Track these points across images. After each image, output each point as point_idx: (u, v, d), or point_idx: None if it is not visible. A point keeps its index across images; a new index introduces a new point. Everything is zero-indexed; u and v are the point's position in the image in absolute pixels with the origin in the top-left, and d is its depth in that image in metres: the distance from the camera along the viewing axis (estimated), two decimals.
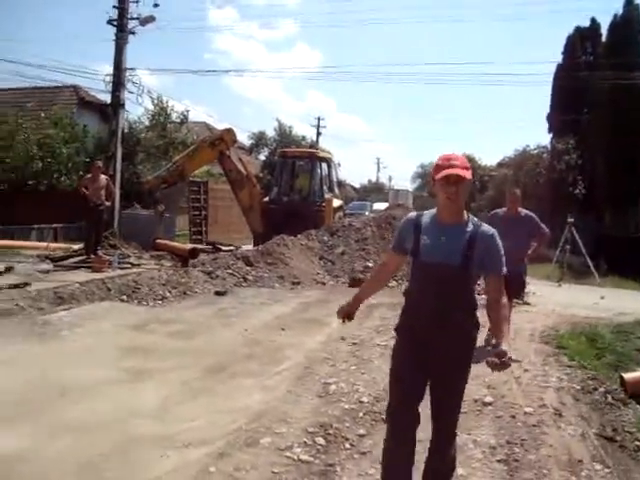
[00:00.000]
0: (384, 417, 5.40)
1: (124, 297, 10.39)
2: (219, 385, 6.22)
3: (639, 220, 25.37)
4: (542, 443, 5.19)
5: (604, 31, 27.11)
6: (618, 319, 11.34)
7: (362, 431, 5.20)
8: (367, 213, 34.59)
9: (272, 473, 4.32)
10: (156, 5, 21.46)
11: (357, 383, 6.44)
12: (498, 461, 4.82)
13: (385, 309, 10.57)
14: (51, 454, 4.45)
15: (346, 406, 5.74)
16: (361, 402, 5.88)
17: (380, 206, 44.82)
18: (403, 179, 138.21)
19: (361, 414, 5.57)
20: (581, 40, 27.98)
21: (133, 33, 21.37)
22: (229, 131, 19.30)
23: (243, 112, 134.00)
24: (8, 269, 12.29)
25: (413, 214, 3.72)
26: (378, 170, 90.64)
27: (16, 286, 10.61)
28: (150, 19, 21.35)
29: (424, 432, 3.81)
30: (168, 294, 10.82)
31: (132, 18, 21.29)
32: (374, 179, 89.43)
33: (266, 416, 5.35)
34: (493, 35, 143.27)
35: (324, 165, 20.73)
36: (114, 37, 20.96)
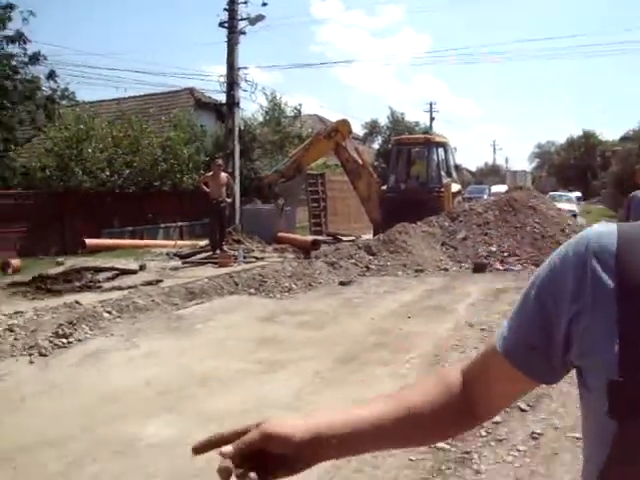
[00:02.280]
0: (519, 404, 5.37)
1: (252, 290, 10.73)
2: (351, 375, 6.32)
3: None
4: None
5: None
6: None
7: (497, 418, 5.12)
8: (485, 197, 33.88)
9: (409, 460, 4.35)
10: (264, 4, 21.88)
11: None
12: None
13: (513, 293, 10.35)
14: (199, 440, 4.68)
15: None
16: None
17: (498, 189, 43.77)
18: (520, 160, 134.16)
19: None
20: None
21: (244, 33, 21.96)
22: (344, 122, 19.40)
23: (353, 102, 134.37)
24: (141, 267, 12.91)
25: (595, 240, 0.93)
26: (494, 152, 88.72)
27: (150, 283, 11.16)
28: (260, 18, 21.80)
29: None
30: (294, 286, 11.07)
31: (242, 19, 21.89)
32: (490, 162, 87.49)
33: None
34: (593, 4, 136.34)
35: (440, 150, 20.44)
36: (226, 39, 21.63)
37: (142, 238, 20.98)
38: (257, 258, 14.86)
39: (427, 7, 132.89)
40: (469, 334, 7.89)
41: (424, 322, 8.57)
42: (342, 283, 11.55)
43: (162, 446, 4.64)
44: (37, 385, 6.11)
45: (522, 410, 5.25)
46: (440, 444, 4.57)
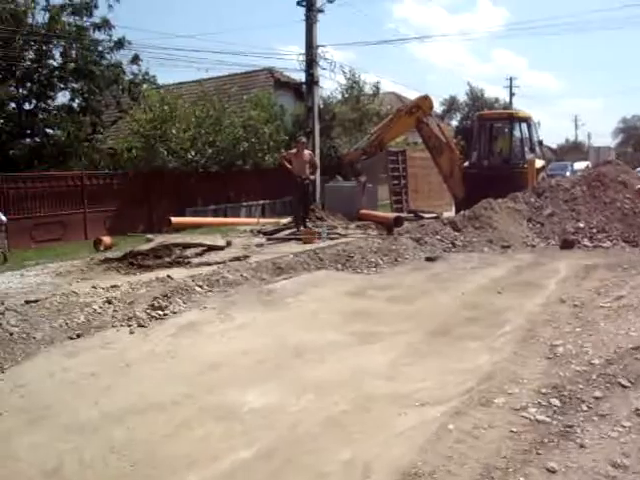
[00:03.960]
0: (620, 380, 5.26)
1: (338, 266, 10.81)
2: (444, 347, 6.32)
3: None
4: None
5: None
6: None
7: (598, 393, 5.04)
8: (568, 174, 32.95)
9: (510, 432, 4.33)
10: None
11: (585, 345, 6.22)
12: None
13: (603, 270, 10.12)
14: (298, 408, 4.83)
15: (577, 368, 5.58)
16: (592, 364, 5.68)
17: (581, 166, 42.44)
18: (602, 136, 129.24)
19: (594, 376, 5.38)
20: None
21: (322, 11, 21.88)
22: (426, 98, 19.16)
23: (429, 79, 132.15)
24: (228, 243, 13.16)
25: None
26: (576, 128, 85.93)
27: (237, 259, 11.39)
28: None
29: None
30: (380, 261, 11.09)
31: None
32: (571, 138, 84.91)
33: (496, 377, 5.36)
34: None
35: (523, 125, 19.95)
36: (304, 17, 21.62)
37: (225, 216, 21.43)
38: (340, 235, 14.91)
39: None
40: (561, 310, 7.75)
41: (515, 297, 8.46)
42: (428, 259, 11.49)
43: (262, 413, 4.78)
44: (139, 353, 6.36)
45: (623, 386, 5.14)
46: (540, 417, 4.55)
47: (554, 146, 73.55)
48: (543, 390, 5.05)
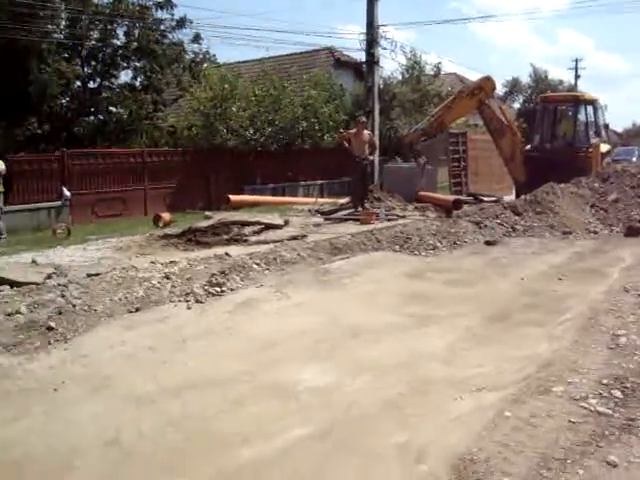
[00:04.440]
0: None
1: (396, 247, 10.75)
2: (503, 333, 6.22)
3: None
4: None
5: None
6: None
7: None
8: (635, 159, 31.96)
9: (569, 422, 4.22)
10: None
11: None
12: None
13: None
14: (355, 389, 4.82)
15: None
16: None
17: None
18: None
19: None
20: None
21: None
22: (488, 79, 18.79)
23: (491, 60, 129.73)
24: (286, 222, 13.21)
25: None
26: None
27: (294, 238, 11.45)
28: None
29: None
30: (438, 244, 10.97)
31: None
32: (639, 122, 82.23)
33: (555, 365, 5.24)
34: None
35: (589, 108, 19.42)
36: None
37: (283, 195, 21.51)
38: (398, 216, 14.84)
39: None
40: (625, 299, 7.52)
41: (576, 284, 8.25)
42: (488, 243, 11.33)
43: (318, 392, 4.78)
44: (196, 329, 6.44)
45: None
46: (601, 409, 4.43)
47: (620, 130, 71.40)
48: (604, 381, 4.91)
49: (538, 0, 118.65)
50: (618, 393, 4.71)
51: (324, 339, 6.00)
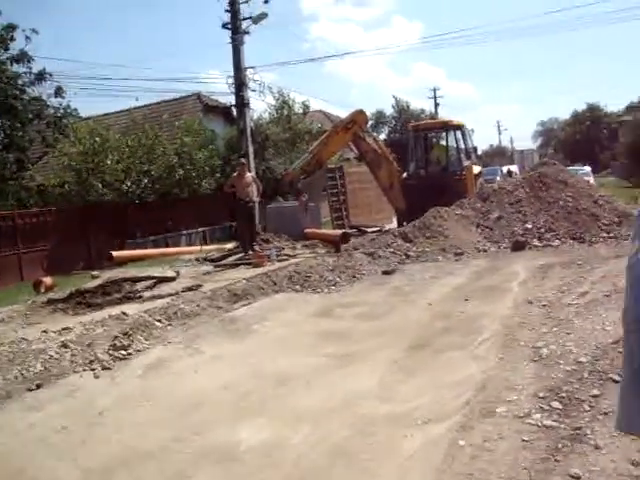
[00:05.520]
0: (611, 376, 5.19)
1: (297, 287, 10.58)
2: (429, 361, 6.15)
3: None
4: None
5: None
6: None
7: (595, 391, 4.95)
8: (498, 178, 33.73)
9: (522, 441, 4.17)
10: (266, 1, 21.78)
11: (567, 344, 6.15)
12: None
13: (559, 268, 10.21)
14: (298, 441, 4.53)
15: (566, 368, 5.49)
16: (580, 362, 5.61)
17: (511, 169, 43.59)
18: (523, 139, 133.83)
19: (585, 374, 5.30)
20: None
21: (247, 33, 21.81)
22: (360, 112, 19.17)
23: (353, 95, 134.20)
24: (177, 274, 12.76)
25: None
26: (499, 133, 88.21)
27: (190, 289, 11.03)
28: (263, 16, 21.73)
29: None
30: (338, 279, 10.91)
31: (245, 18, 21.75)
32: (495, 143, 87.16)
33: (490, 386, 5.22)
34: None
35: (458, 133, 20.20)
36: (230, 40, 21.50)
37: (166, 246, 20.92)
38: (289, 256, 14.70)
39: None
40: (532, 311, 7.70)
41: (483, 303, 8.39)
42: (385, 272, 11.38)
43: (262, 450, 4.47)
44: (110, 399, 5.93)
45: (615, 381, 5.05)
46: (547, 422, 4.42)
47: (480, 152, 75.16)
48: (541, 394, 4.93)
49: (390, 36, 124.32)
50: (557, 404, 4.73)
51: (250, 392, 5.67)
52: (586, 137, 60.89)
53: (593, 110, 62.50)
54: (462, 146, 20.04)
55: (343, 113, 28.63)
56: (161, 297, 10.54)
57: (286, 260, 14.01)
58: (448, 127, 20.38)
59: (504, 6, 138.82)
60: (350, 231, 18.98)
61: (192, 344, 7.50)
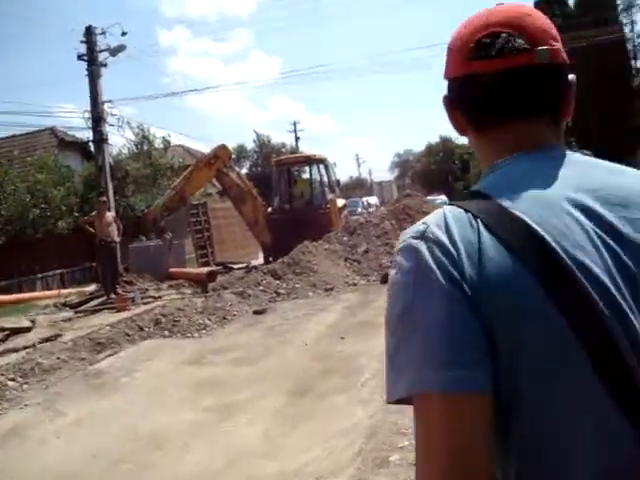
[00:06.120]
0: None
1: (165, 332, 10.03)
2: (314, 407, 5.88)
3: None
4: None
5: None
6: None
7: None
8: (359, 209, 34.53)
9: None
10: (124, 33, 21.09)
11: None
12: None
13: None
14: None
15: None
16: None
17: (371, 200, 44.90)
18: (381, 171, 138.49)
19: None
20: (548, 4, 27.74)
21: (105, 65, 21.00)
22: (223, 147, 18.87)
23: (213, 129, 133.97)
24: (33, 323, 11.84)
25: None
26: (358, 166, 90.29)
27: (48, 339, 10.22)
28: (121, 48, 20.99)
29: None
30: (208, 321, 10.45)
31: (102, 50, 20.94)
32: (354, 175, 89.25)
33: (380, 431, 5.00)
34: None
35: (321, 167, 20.37)
36: (86, 72, 20.62)
37: (20, 291, 19.50)
38: (154, 297, 14.09)
39: (273, 30, 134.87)
40: None
41: (359, 340, 8.23)
42: (256, 312, 11.05)
43: None
44: None
45: None
46: None
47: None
48: None
49: (249, 70, 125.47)
50: None
51: (123, 459, 5.10)
52: (440, 168, 63.45)
53: (445, 142, 65.22)
54: (325, 180, 20.19)
55: (204, 148, 28.29)
56: (16, 351, 9.65)
57: (152, 302, 13.39)
58: (311, 161, 20.48)
59: (363, 42, 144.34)
60: (216, 269, 18.52)
61: (53, 405, 6.81)
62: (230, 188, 18.87)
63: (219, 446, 5.14)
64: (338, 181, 22.17)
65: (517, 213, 0.92)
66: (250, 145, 47.55)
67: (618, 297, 0.88)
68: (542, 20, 1.07)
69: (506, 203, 0.94)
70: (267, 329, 9.73)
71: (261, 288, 12.48)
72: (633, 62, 27.19)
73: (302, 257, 13.60)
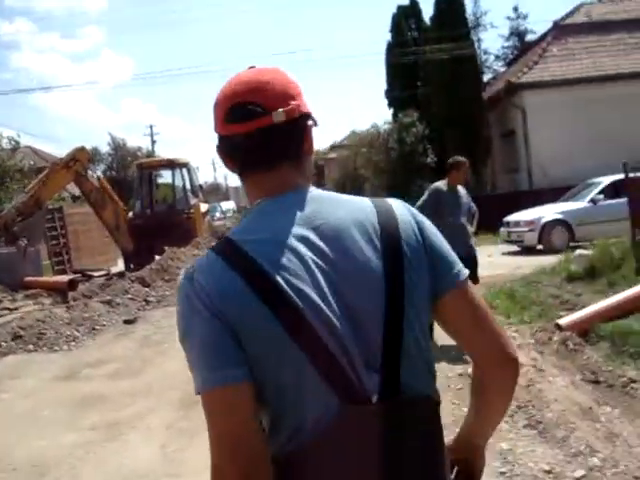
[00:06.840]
0: None
1: (30, 347, 9.39)
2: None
3: (493, 179, 26.75)
4: (547, 399, 5.21)
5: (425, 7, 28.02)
6: (519, 272, 11.85)
7: None
8: (218, 214, 34.44)
9: None
10: None
11: None
12: (524, 426, 4.79)
13: None
14: None
15: None
16: None
17: (228, 205, 44.84)
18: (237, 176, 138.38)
19: None
20: (405, 18, 28.59)
21: None
22: (82, 150, 18.00)
23: (63, 130, 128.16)
24: None
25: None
26: (214, 170, 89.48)
27: None
28: None
29: None
30: (77, 333, 9.91)
31: None
32: (211, 180, 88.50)
33: None
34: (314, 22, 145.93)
35: (184, 171, 20.07)
36: None
37: None
38: (10, 309, 13.24)
39: (126, 30, 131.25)
40: None
41: None
42: (127, 322, 10.62)
43: None
44: None
45: None
46: None
47: None
48: None
49: (99, 70, 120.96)
50: None
51: None
52: None
53: None
54: (188, 184, 19.90)
55: (54, 149, 27.03)
56: None
57: (7, 314, 12.57)
58: (174, 165, 20.11)
59: (214, 46, 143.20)
60: (76, 276, 17.71)
61: None
62: (90, 192, 18.09)
63: (112, 468, 4.84)
64: (201, 186, 21.95)
65: (250, 253, 1.24)
66: (104, 148, 45.96)
67: (324, 307, 1.22)
68: (281, 84, 1.35)
69: (246, 246, 1.26)
70: (142, 339, 9.39)
71: (129, 296, 12.03)
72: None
73: (171, 263, 13.29)
